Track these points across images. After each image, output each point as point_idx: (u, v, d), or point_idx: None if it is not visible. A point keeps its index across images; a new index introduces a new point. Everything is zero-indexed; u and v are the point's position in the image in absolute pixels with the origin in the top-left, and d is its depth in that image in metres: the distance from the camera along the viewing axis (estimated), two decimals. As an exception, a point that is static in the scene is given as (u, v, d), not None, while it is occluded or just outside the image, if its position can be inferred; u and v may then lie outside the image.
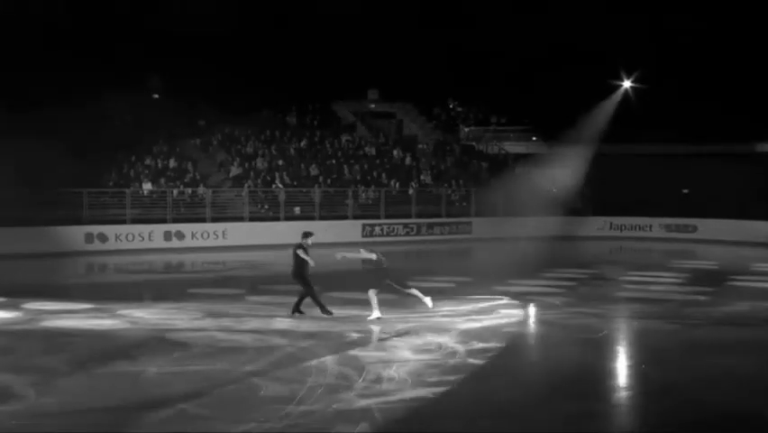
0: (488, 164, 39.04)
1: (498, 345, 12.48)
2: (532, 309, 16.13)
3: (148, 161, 32.11)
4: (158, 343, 12.35)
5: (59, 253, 25.23)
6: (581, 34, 37.98)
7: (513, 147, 41.98)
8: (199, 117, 36.06)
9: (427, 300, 14.74)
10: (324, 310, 14.47)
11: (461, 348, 12.20)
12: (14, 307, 15.34)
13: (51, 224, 26.09)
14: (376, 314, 14.28)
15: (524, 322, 15.10)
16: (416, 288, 15.12)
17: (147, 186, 30.09)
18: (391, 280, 14.71)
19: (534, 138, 43.49)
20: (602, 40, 37.52)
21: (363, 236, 31.31)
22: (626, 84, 37.41)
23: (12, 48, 31.86)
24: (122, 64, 34.04)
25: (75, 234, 26.61)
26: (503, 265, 24.30)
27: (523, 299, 17.06)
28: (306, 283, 14.56)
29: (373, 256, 14.58)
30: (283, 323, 14.04)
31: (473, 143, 42.13)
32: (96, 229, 27.05)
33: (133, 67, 35.10)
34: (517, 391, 10.07)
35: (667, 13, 37.67)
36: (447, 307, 15.83)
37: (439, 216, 33.38)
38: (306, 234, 15.07)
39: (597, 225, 34.87)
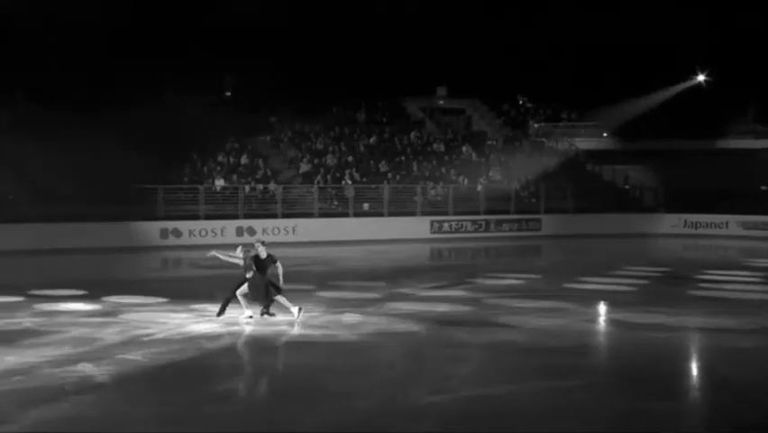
0: (558, 160, 38.52)
1: (569, 344, 12.36)
2: (603, 308, 15.92)
3: (220, 158, 32.73)
4: (230, 336, 12.63)
5: (135, 247, 25.98)
6: (651, 29, 37.21)
7: (584, 143, 41.35)
8: (270, 115, 36.56)
9: (294, 310, 13.66)
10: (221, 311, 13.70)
11: (525, 345, 12.13)
12: (94, 299, 15.88)
13: (128, 219, 26.89)
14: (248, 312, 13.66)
15: (595, 321, 14.91)
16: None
17: (220, 182, 30.69)
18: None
19: (605, 134, 42.75)
20: (673, 34, 36.68)
21: (432, 233, 31.33)
22: (699, 78, 36.47)
23: (90, 51, 32.94)
24: (195, 64, 34.81)
25: (151, 230, 27.36)
26: (573, 263, 24.06)
27: (593, 297, 16.85)
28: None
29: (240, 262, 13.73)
30: (352, 318, 14.17)
31: (543, 139, 41.63)
32: (170, 225, 27.76)
33: (207, 67, 35.85)
34: (589, 391, 9.97)
35: (737, 9, 36.61)
36: (518, 303, 15.75)
37: (508, 212, 33.11)
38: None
39: (671, 223, 34.10)
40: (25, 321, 13.62)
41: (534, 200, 34.23)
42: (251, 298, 13.64)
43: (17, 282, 18.70)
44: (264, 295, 13.56)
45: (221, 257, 14.22)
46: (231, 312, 13.80)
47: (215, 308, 13.83)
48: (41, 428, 8.34)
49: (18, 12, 31.97)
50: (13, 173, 26.09)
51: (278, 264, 13.74)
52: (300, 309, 13.68)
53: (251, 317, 13.62)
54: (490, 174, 35.98)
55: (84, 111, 29.62)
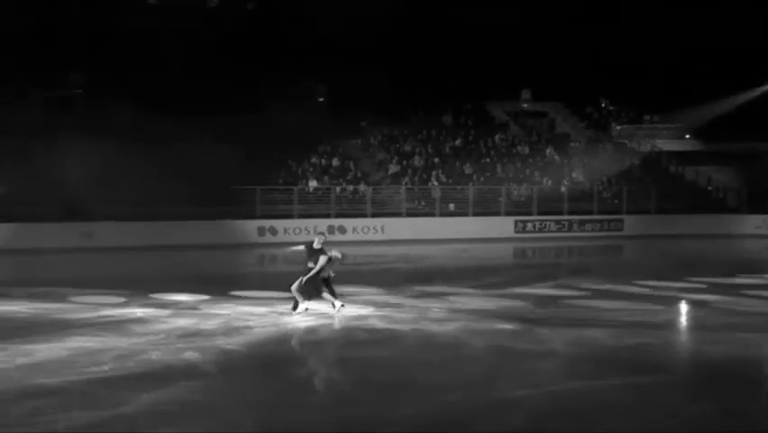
0: (640, 161, 37.52)
1: (654, 342, 12.01)
2: (684, 307, 15.41)
3: (313, 160, 33.16)
4: (324, 330, 12.77)
5: (235, 244, 26.59)
6: (734, 30, 35.79)
7: (666, 144, 40.12)
8: (360, 119, 36.84)
9: (337, 304, 13.73)
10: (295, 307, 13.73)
11: (610, 342, 11.85)
12: (198, 292, 16.30)
13: (229, 218, 27.57)
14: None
15: (680, 320, 14.45)
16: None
17: (313, 183, 31.10)
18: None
19: (687, 135, 41.40)
20: (757, 34, 35.20)
21: (516, 232, 30.96)
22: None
23: (196, 60, 33.88)
24: (290, 74, 35.43)
25: (249, 228, 27.97)
26: (657, 263, 23.40)
27: (678, 297, 16.32)
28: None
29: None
30: (438, 313, 14.13)
31: (625, 141, 40.59)
32: (267, 223, 28.30)
33: (300, 74, 36.43)
34: (677, 388, 9.66)
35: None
36: (601, 302, 15.42)
37: (591, 212, 32.44)
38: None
39: (754, 224, 32.71)
40: (138, 311, 14.11)
41: (616, 201, 33.43)
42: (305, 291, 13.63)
43: (129, 275, 19.43)
44: (316, 291, 13.60)
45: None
46: (320, 308, 13.94)
47: (310, 302, 13.98)
48: (153, 410, 8.61)
49: (128, 20, 33.22)
50: (123, 175, 26.98)
51: (321, 258, 13.60)
52: (342, 305, 13.74)
53: (306, 309, 13.72)
54: (573, 175, 35.32)
55: (187, 117, 30.47)
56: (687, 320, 14.60)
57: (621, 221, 32.46)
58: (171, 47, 33.42)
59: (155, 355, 10.83)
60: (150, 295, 15.76)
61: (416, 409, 8.73)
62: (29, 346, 11.26)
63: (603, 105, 44.23)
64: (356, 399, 9.22)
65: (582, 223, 32.00)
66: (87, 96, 33.61)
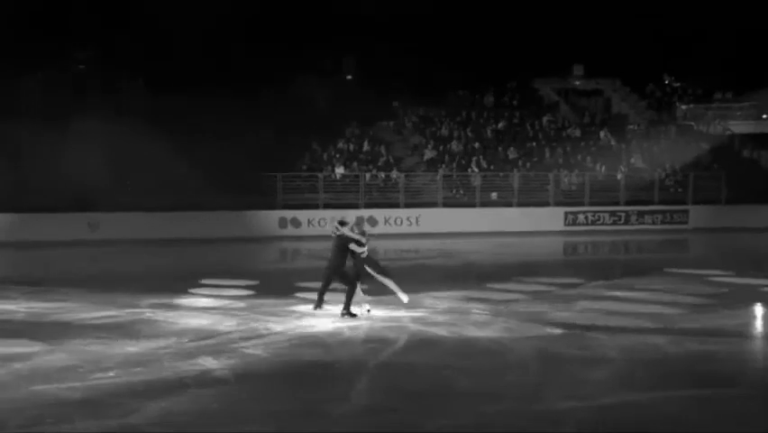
0: (709, 146, 37.01)
1: (722, 349, 11.85)
2: (757, 310, 15.18)
3: (340, 145, 33.25)
4: (351, 331, 12.81)
5: (253, 237, 26.77)
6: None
7: (739, 126, 39.52)
8: (393, 99, 36.81)
9: (402, 296, 14.08)
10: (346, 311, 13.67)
11: (671, 349, 11.72)
12: (212, 289, 16.48)
13: (247, 208, 27.73)
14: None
15: (753, 324, 14.25)
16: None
17: (339, 170, 31.18)
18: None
19: (764, 116, 40.72)
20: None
21: (566, 225, 30.80)
22: None
23: (211, 37, 34.05)
24: (315, 47, 35.43)
25: (269, 219, 28.15)
26: (727, 259, 23.07)
27: (750, 298, 16.09)
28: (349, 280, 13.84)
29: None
30: (480, 316, 14.09)
31: (692, 123, 40.09)
32: (289, 214, 28.45)
33: (327, 49, 36.43)
34: (749, 402, 9.54)
35: None
36: (662, 303, 15.26)
37: (651, 203, 32.13)
38: (343, 223, 14.25)
39: (839, 216, 32.15)
40: (146, 312, 14.26)
41: (680, 190, 33.06)
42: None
43: (137, 271, 19.67)
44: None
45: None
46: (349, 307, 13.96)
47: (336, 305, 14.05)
48: (164, 420, 8.70)
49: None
50: (133, 161, 27.30)
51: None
52: (368, 310, 13.98)
53: (368, 310, 13.92)
54: (632, 161, 34.98)
55: (201, 98, 30.72)
56: (761, 326, 14.38)
57: (686, 212, 32.10)
58: (187, 22, 33.64)
59: (166, 360, 10.94)
60: (160, 293, 15.91)
61: (453, 420, 8.73)
62: (27, 350, 11.44)
63: (667, 81, 43.71)
64: (388, 408, 9.22)
65: (641, 214, 31.71)
66: (95, 76, 33.98)
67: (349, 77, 39.50)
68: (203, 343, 11.92)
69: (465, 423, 8.70)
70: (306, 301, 14.98)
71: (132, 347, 11.63)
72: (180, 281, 17.43)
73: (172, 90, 30.64)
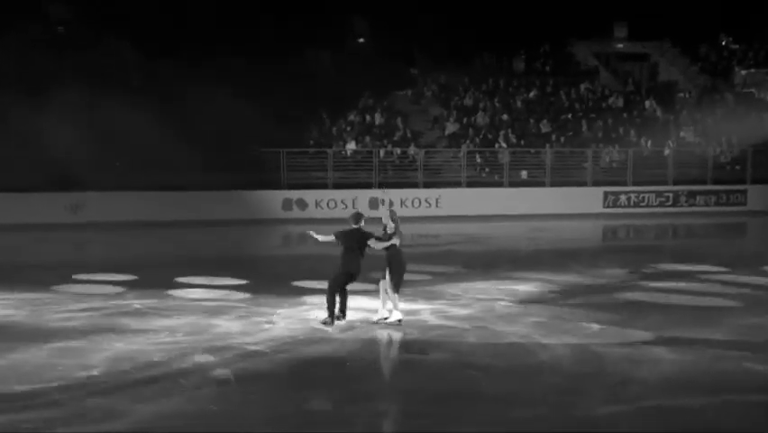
0: (770, 117, 36.78)
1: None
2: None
3: (352, 117, 33.22)
4: (363, 328, 12.85)
5: (254, 220, 26.84)
6: None
7: (807, 95, 39.23)
8: (411, 65, 36.70)
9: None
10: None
11: (726, 349, 11.72)
12: (209, 279, 16.57)
13: (248, 188, 27.82)
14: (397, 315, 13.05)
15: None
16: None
17: (351, 145, 31.19)
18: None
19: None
20: None
21: (605, 207, 30.69)
22: None
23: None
24: (322, 6, 35.32)
25: (272, 200, 28.22)
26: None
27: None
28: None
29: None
30: (509, 308, 14.12)
31: (752, 90, 39.79)
32: (294, 194, 28.51)
33: (337, 8, 36.31)
34: None
35: None
36: (716, 296, 15.24)
37: (704, 182, 31.97)
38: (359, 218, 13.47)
39: None
40: (134, 303, 14.37)
41: (737, 167, 32.87)
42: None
43: (124, 259, 19.77)
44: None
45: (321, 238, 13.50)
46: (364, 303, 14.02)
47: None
48: (158, 424, 8.79)
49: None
50: (118, 134, 27.34)
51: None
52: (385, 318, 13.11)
53: (399, 321, 12.94)
54: (681, 135, 34.79)
55: (199, 64, 30.69)
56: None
57: (744, 193, 31.94)
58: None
59: (157, 357, 11.03)
60: (150, 283, 16.01)
61: (480, 427, 8.77)
62: (2, 345, 11.56)
63: (723, 43, 43.32)
64: (405, 413, 9.28)
65: (692, 195, 31.56)
66: (76, 35, 33.97)
67: (361, 39, 39.41)
68: (198, 338, 12.01)
69: (495, 431, 8.75)
70: (314, 292, 15.04)
71: (120, 343, 11.72)
72: (173, 270, 17.54)
73: (164, 53, 30.64)
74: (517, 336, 12.39)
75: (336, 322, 12.79)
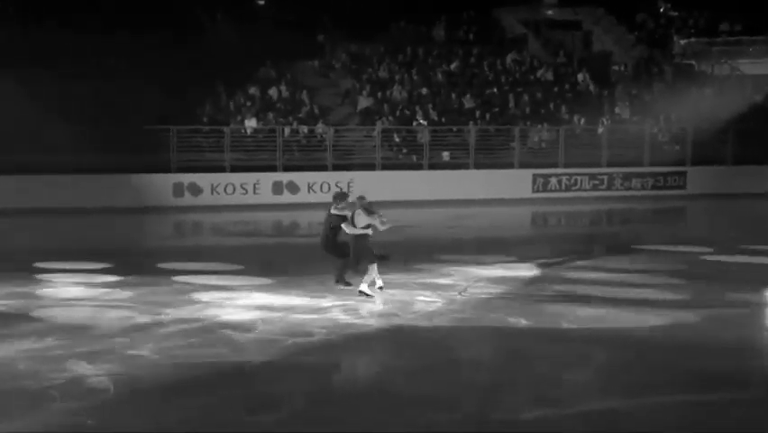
0: (713, 91, 37.67)
1: (726, 344, 12.17)
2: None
3: (252, 91, 32.96)
4: (265, 325, 12.79)
5: (140, 208, 26.43)
6: None
7: (751, 67, 40.21)
8: (318, 32, 36.57)
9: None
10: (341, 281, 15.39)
11: (661, 343, 11.99)
12: (87, 275, 16.32)
13: (131, 171, 27.36)
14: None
15: (755, 314, 14.65)
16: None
17: (251, 123, 30.96)
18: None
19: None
20: None
21: (534, 191, 31.08)
22: None
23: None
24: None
25: (161, 185, 27.83)
26: (733, 232, 23.65)
27: (761, 279, 16.54)
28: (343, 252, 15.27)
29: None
30: (427, 304, 14.21)
31: (692, 62, 40.74)
32: (186, 178, 28.16)
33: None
34: (754, 409, 9.83)
35: None
36: (654, 287, 15.57)
37: (640, 164, 32.60)
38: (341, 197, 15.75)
39: None
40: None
41: (677, 147, 33.63)
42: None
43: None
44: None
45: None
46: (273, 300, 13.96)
47: (257, 292, 14.11)
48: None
49: None
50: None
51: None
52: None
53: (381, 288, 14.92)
54: (616, 111, 35.43)
55: (79, 31, 30.04)
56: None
57: (683, 175, 32.69)
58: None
59: (25, 365, 10.83)
60: (18, 280, 15.69)
61: (393, 430, 8.83)
62: None
63: (662, 9, 44.21)
64: (312, 418, 9.27)
65: (628, 178, 32.17)
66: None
67: (261, 1, 39.12)
68: (73, 342, 11.80)
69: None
70: (209, 289, 14.92)
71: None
72: (44, 263, 17.22)
73: (43, 19, 29.96)
74: (437, 333, 12.49)
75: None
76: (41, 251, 19.08)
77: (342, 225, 14.83)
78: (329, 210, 15.37)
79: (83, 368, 10.77)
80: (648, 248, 20.18)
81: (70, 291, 15.18)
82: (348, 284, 15.10)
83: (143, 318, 13.12)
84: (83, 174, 26.56)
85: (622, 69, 39.41)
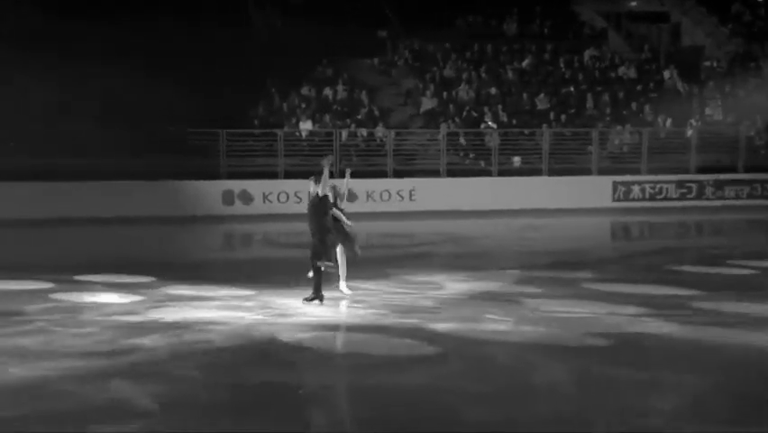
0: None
1: None
2: None
3: (306, 91, 33.19)
4: (322, 343, 12.93)
5: (187, 217, 26.75)
6: None
7: None
8: (379, 27, 36.73)
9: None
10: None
11: (754, 371, 11.90)
12: (131, 290, 16.52)
13: (178, 178, 27.69)
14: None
15: None
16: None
17: (306, 125, 31.18)
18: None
19: None
20: None
21: (614, 200, 30.92)
22: None
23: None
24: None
25: (209, 193, 28.18)
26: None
27: None
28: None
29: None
30: (494, 323, 14.21)
31: (794, 58, 40.23)
32: (237, 185, 28.45)
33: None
34: None
35: None
36: (750, 306, 15.44)
37: (734, 170, 32.30)
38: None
39: None
40: (38, 319, 14.28)
41: (775, 152, 33.28)
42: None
43: (23, 264, 19.60)
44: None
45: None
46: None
47: (298, 303, 14.16)
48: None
49: None
50: (11, 109, 27.04)
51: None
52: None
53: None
54: (707, 112, 35.12)
55: (116, 24, 30.47)
56: None
57: (782, 183, 32.34)
58: None
59: (68, 385, 10.97)
60: (57, 294, 16.00)
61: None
62: None
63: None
64: None
65: (720, 185, 31.89)
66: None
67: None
68: (118, 361, 11.96)
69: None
70: (259, 306, 15.07)
71: (18, 368, 11.61)
72: (85, 276, 17.56)
73: (71, 9, 30.44)
74: (507, 354, 12.46)
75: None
76: (83, 263, 19.38)
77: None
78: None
79: (129, 390, 10.89)
80: (742, 263, 19.97)
81: (113, 306, 15.38)
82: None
83: (192, 336, 13.26)
84: (128, 180, 26.96)
85: (714, 65, 38.99)
